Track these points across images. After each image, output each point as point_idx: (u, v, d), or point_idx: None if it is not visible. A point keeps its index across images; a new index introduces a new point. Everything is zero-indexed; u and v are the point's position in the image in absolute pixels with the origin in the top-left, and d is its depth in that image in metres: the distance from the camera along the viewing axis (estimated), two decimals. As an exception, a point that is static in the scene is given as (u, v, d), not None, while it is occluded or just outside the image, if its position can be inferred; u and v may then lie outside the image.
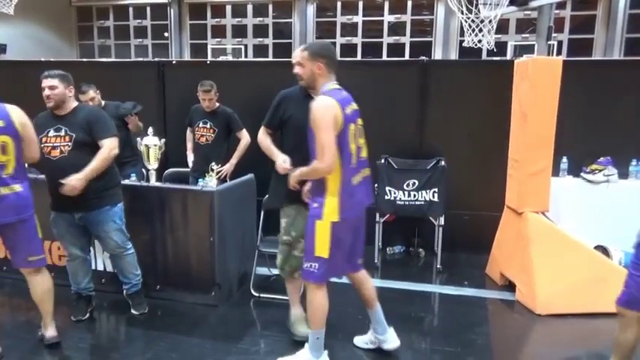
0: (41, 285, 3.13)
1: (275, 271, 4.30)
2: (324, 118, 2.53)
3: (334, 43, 12.88)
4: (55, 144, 3.19)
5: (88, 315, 3.50)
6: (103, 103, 4.51)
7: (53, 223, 3.38)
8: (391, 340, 3.06)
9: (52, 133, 3.20)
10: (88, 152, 3.19)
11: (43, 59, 6.83)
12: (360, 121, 2.82)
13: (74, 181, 3.07)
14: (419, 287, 4.20)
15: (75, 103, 3.32)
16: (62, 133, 3.20)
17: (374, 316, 3.05)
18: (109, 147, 3.22)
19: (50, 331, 3.14)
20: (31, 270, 3.09)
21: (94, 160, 3.16)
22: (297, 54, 2.82)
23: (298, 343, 3.28)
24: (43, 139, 3.19)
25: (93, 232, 3.44)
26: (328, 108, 2.55)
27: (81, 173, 3.10)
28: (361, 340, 3.17)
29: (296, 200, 2.96)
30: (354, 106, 2.78)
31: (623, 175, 4.56)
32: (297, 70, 2.82)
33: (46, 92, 3.19)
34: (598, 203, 4.45)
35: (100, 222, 3.35)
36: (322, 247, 2.67)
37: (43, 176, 4.13)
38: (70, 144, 3.18)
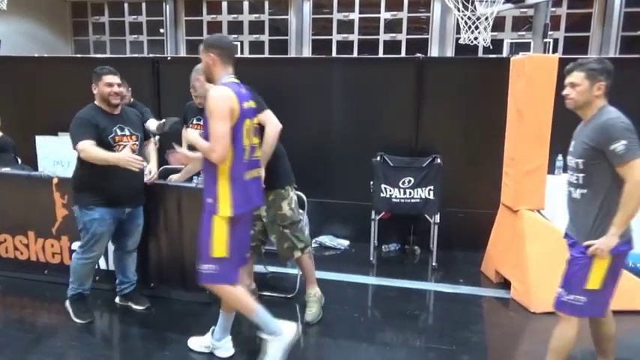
0: None
1: (271, 269, 4.29)
2: (220, 107, 2.51)
3: (330, 40, 12.88)
4: (124, 142, 3.26)
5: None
6: (131, 100, 4.52)
7: (99, 222, 3.26)
8: (226, 349, 2.98)
9: (119, 132, 3.27)
10: (141, 150, 3.44)
11: (37, 55, 6.78)
12: (255, 120, 2.80)
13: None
14: (414, 285, 4.20)
15: None
16: (126, 132, 3.31)
17: (224, 320, 2.96)
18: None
19: None
20: None
21: (154, 155, 3.62)
22: None
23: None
24: (117, 139, 3.24)
25: (128, 227, 3.47)
26: (225, 98, 2.53)
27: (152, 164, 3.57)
28: (196, 343, 3.05)
29: None
30: (251, 103, 2.75)
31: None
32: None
33: (116, 89, 3.28)
34: (593, 201, 4.45)
35: (139, 215, 3.52)
36: (220, 245, 2.63)
37: (37, 172, 4.12)
38: (137, 142, 3.37)
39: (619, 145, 2.29)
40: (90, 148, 3.11)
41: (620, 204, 2.33)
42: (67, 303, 3.46)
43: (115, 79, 3.28)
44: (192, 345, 3.06)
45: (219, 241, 2.63)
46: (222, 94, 2.55)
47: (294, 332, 2.80)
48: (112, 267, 3.73)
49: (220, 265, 2.65)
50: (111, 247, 3.65)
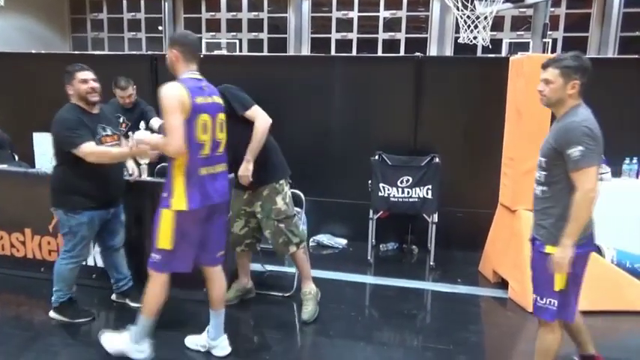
0: None
1: (268, 267, 4.29)
2: (170, 102, 2.56)
3: (329, 39, 12.86)
4: (108, 143, 3.22)
5: None
6: (135, 98, 4.52)
7: (89, 225, 3.22)
8: (222, 347, 2.99)
9: (102, 132, 3.19)
10: None
11: (34, 51, 6.75)
12: (221, 116, 2.82)
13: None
14: (412, 284, 4.20)
15: None
16: (108, 132, 3.24)
17: (214, 318, 2.99)
18: None
19: None
20: None
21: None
22: None
23: (288, 337, 3.28)
24: (102, 140, 3.17)
25: (113, 226, 3.44)
26: (174, 93, 2.58)
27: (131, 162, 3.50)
28: (193, 342, 3.07)
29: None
30: (215, 99, 2.80)
31: (616, 173, 4.56)
32: None
33: (93, 85, 3.16)
34: (591, 201, 4.46)
35: (121, 213, 3.49)
36: (164, 238, 2.68)
37: (34, 169, 4.10)
38: (118, 142, 3.29)
39: (575, 151, 2.25)
40: (98, 149, 3.07)
41: (570, 214, 2.30)
42: (54, 313, 3.38)
43: (89, 74, 3.16)
44: (189, 343, 3.06)
45: (164, 234, 2.67)
46: (171, 90, 2.59)
47: (139, 358, 2.86)
48: (108, 265, 3.71)
49: (162, 256, 2.73)
50: (97, 249, 3.65)
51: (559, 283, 2.41)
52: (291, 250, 3.46)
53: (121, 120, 4.37)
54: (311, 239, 5.14)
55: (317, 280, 3.64)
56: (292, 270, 3.95)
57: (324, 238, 5.18)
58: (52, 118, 3.17)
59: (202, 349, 3.00)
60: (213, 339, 2.98)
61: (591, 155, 2.25)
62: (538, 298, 2.51)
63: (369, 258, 4.67)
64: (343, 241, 5.19)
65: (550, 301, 2.45)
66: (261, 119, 3.23)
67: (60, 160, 3.17)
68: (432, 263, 4.57)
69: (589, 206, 2.29)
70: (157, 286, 2.81)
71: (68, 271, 3.28)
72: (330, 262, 4.62)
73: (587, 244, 2.43)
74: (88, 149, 3.02)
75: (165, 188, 2.70)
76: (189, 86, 2.64)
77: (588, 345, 2.76)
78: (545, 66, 2.44)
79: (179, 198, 2.63)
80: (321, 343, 3.24)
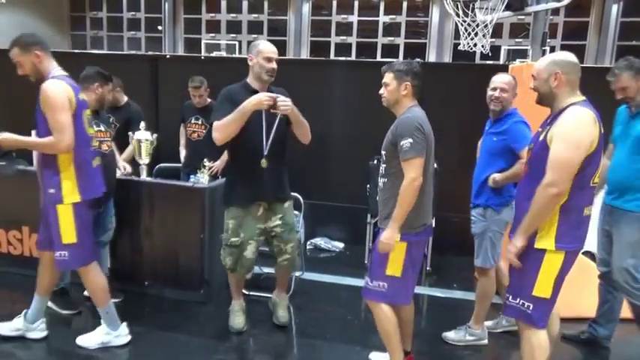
0: None
1: (265, 270, 4.29)
2: (59, 99, 2.61)
3: (329, 42, 12.89)
4: (100, 138, 3.33)
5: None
6: (125, 99, 4.41)
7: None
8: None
9: (95, 127, 3.23)
10: None
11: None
12: (87, 112, 2.92)
13: None
14: (408, 289, 4.21)
15: None
16: (102, 128, 3.36)
17: (39, 301, 3.07)
18: None
19: None
20: None
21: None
22: None
23: (285, 339, 3.30)
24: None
25: (102, 222, 3.47)
26: (62, 91, 2.63)
27: None
28: (6, 328, 3.14)
29: (244, 200, 3.10)
30: (81, 95, 2.89)
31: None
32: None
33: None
34: (587, 209, 4.48)
35: (111, 209, 3.56)
36: (69, 232, 2.74)
37: (32, 167, 4.09)
38: (108, 139, 3.45)
39: (406, 142, 2.47)
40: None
41: (397, 200, 2.46)
42: (49, 301, 3.37)
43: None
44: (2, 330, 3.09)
45: (67, 228, 2.73)
46: (57, 86, 2.64)
47: (121, 343, 3.02)
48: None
49: (70, 251, 2.77)
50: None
51: (393, 268, 2.55)
52: (298, 261, 3.43)
53: (111, 120, 4.06)
54: (308, 242, 5.16)
55: (314, 283, 3.65)
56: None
57: (322, 242, 5.19)
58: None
59: (17, 334, 3.06)
60: (31, 322, 3.07)
61: (419, 147, 2.47)
62: (368, 280, 2.65)
63: (365, 262, 4.69)
64: (340, 245, 5.20)
65: (380, 285, 2.59)
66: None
67: None
68: (428, 268, 4.59)
69: (413, 193, 2.45)
70: (89, 278, 2.90)
71: None
72: (326, 266, 4.63)
73: (423, 233, 2.63)
74: None
75: (49, 184, 2.71)
76: (70, 83, 2.73)
77: (407, 341, 2.84)
78: (383, 71, 2.69)
79: (70, 190, 2.70)
80: (317, 346, 3.25)
